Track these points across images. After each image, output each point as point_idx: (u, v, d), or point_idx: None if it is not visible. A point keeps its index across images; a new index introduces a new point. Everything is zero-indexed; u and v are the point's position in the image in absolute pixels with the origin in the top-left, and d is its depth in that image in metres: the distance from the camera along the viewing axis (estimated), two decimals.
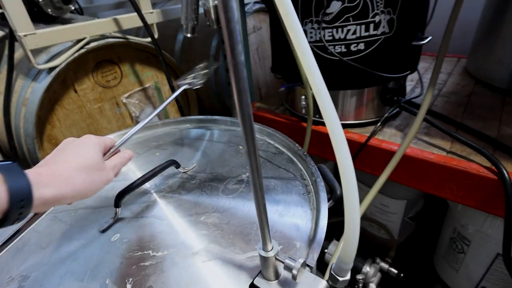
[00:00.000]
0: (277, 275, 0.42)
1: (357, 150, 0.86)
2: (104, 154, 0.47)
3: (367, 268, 1.05)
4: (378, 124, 0.88)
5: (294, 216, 0.53)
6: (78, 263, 0.48)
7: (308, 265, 0.42)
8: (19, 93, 0.98)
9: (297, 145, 0.69)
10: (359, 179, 1.09)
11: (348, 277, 0.42)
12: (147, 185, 0.64)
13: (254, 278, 0.42)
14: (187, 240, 0.51)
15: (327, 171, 0.61)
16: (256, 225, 0.49)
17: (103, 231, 0.53)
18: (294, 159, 0.68)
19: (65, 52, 0.93)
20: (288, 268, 0.38)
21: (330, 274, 0.43)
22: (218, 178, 0.65)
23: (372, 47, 0.79)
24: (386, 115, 0.90)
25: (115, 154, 0.49)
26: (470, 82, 1.11)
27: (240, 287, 0.42)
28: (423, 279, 1.22)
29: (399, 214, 1.15)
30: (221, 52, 1.33)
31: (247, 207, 0.56)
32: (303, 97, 0.92)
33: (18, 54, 1.06)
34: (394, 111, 0.92)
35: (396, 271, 1.04)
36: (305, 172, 0.63)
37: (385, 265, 1.07)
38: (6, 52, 1.00)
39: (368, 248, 1.28)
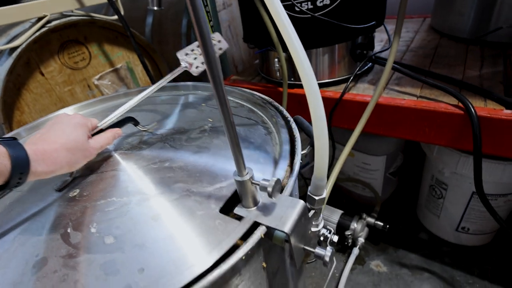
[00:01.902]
0: (255, 202, 0.42)
1: (333, 106, 0.88)
2: (92, 133, 0.52)
3: (354, 225, 1.08)
4: (351, 79, 0.90)
5: (260, 150, 0.55)
6: (35, 221, 0.47)
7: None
8: None
9: (256, 94, 0.70)
10: (337, 141, 1.10)
11: (324, 194, 0.43)
12: None
13: (224, 205, 0.43)
14: (153, 183, 0.50)
15: (303, 120, 0.62)
16: (224, 163, 0.52)
17: (60, 190, 0.52)
18: (254, 108, 0.70)
19: (25, 32, 0.90)
20: (263, 188, 0.38)
21: (307, 196, 0.43)
22: (180, 131, 0.64)
23: (337, 1, 0.80)
24: (357, 70, 0.91)
25: (101, 132, 0.53)
26: (436, 36, 1.14)
27: (210, 214, 0.42)
28: (408, 230, 1.26)
29: (381, 171, 1.18)
30: (192, 30, 1.32)
31: (213, 151, 0.56)
32: (276, 59, 0.92)
33: None
34: (366, 67, 0.93)
35: (382, 224, 1.08)
36: (265, 118, 0.66)
37: (371, 220, 1.10)
38: None
39: (354, 207, 1.31)
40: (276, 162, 0.50)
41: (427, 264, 1.15)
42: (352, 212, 1.17)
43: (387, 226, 1.08)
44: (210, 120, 0.67)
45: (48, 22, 0.93)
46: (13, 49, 0.88)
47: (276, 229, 0.39)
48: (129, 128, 0.65)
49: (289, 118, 0.61)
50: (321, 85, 0.95)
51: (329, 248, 0.42)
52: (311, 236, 0.46)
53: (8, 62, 0.87)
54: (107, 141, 0.52)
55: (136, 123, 0.64)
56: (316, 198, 0.42)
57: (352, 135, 0.82)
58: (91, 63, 1.09)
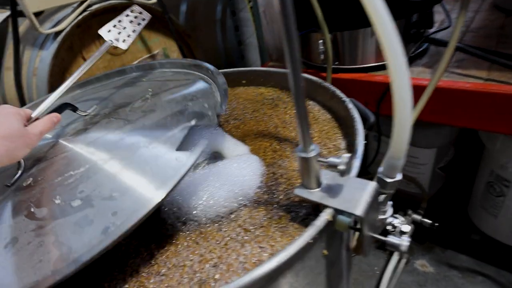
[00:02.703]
0: (318, 182, 0.37)
1: (383, 92, 0.81)
2: (28, 121, 0.49)
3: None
4: None
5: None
6: None
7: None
8: (28, 65, 0.95)
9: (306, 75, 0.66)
10: (384, 134, 1.03)
11: (400, 176, 0.37)
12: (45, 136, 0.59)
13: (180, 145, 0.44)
14: (107, 149, 0.48)
15: (357, 102, 0.57)
16: (172, 117, 0.52)
17: (12, 184, 0.49)
18: (191, 71, 0.70)
19: (68, 17, 0.90)
20: (333, 166, 0.34)
21: (377, 179, 0.38)
22: (122, 105, 0.62)
23: None
24: (412, 51, 0.84)
25: (39, 119, 0.50)
26: (500, 16, 1.04)
27: (168, 155, 0.43)
28: (458, 231, 1.17)
29: (429, 165, 1.10)
30: (228, 14, 1.28)
31: (159, 111, 0.55)
32: (320, 41, 0.87)
33: (22, 27, 1.03)
34: (421, 48, 0.86)
35: (430, 221, 1.00)
36: (203, 75, 0.66)
37: (417, 217, 1.02)
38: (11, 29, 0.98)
39: (398, 203, 1.23)
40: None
41: (480, 267, 1.06)
42: (395, 208, 1.09)
43: (436, 224, 1.00)
44: (150, 90, 0.65)
45: (89, 6, 0.93)
46: (57, 34, 0.88)
47: (347, 212, 0.34)
48: (69, 116, 0.62)
49: (343, 99, 0.56)
50: (368, 69, 0.89)
51: (405, 237, 0.37)
52: (379, 224, 0.41)
53: (53, 46, 0.87)
54: (46, 125, 0.49)
55: (74, 108, 0.60)
56: (389, 180, 0.37)
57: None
58: (129, 49, 1.08)
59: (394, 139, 0.34)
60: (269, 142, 0.58)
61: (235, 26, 1.23)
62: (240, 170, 0.49)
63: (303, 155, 0.35)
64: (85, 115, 0.62)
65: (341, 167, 0.33)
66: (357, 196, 0.35)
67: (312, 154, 0.34)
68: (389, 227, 0.40)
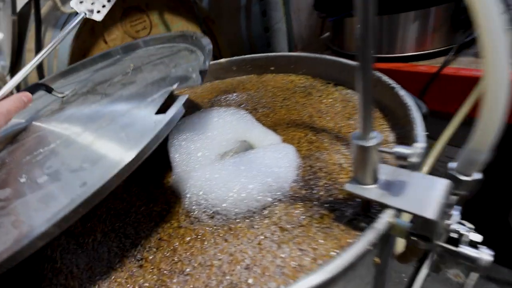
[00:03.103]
0: (375, 177, 0.32)
1: (427, 82, 0.74)
2: None
3: None
4: (452, 52, 0.75)
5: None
6: None
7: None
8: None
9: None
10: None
11: (478, 175, 0.31)
12: (16, 120, 0.55)
13: (159, 109, 0.40)
14: (81, 123, 0.45)
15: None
16: (153, 86, 0.48)
17: None
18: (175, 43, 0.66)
19: None
20: (402, 157, 0.28)
21: (449, 176, 0.32)
22: (101, 82, 0.58)
23: None
24: (464, 38, 0.76)
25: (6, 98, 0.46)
26: None
27: (146, 120, 0.39)
28: (498, 240, 1.09)
29: None
30: (253, 2, 1.22)
31: (139, 82, 0.51)
32: (358, 26, 0.80)
33: (44, 9, 1.00)
34: (471, 36, 0.78)
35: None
36: (188, 45, 0.61)
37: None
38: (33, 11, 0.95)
39: None
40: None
41: None
42: None
43: (473, 227, 0.93)
44: (132, 65, 0.61)
45: None
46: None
47: (415, 215, 0.28)
48: (46, 100, 0.58)
49: (392, 85, 0.50)
50: (408, 59, 0.82)
51: (485, 249, 0.31)
52: (441, 231, 0.35)
53: (75, 27, 0.84)
54: (13, 104, 0.45)
55: (49, 89, 0.55)
56: (464, 179, 0.31)
57: (452, 121, 0.68)
58: (152, 32, 1.04)
59: (481, 124, 0.28)
60: (303, 132, 0.53)
61: (262, 11, 1.17)
62: (275, 160, 0.43)
63: (361, 143, 0.29)
64: (62, 97, 0.57)
65: (413, 159, 0.27)
66: (426, 195, 0.29)
67: (372, 142, 0.29)
68: (453, 235, 0.34)
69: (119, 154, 0.35)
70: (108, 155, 0.37)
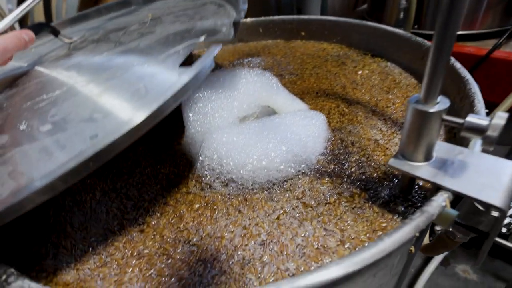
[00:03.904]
0: (428, 155, 0.26)
1: (474, 64, 0.66)
2: None
3: None
4: (506, 34, 0.67)
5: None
6: None
7: None
8: None
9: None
10: None
11: None
12: (17, 63, 0.50)
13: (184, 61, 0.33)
14: (92, 70, 0.40)
15: None
16: (175, 36, 0.41)
17: None
18: None
19: None
20: (474, 130, 0.22)
21: None
22: (115, 30, 0.52)
23: None
24: None
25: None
26: None
27: (169, 72, 0.33)
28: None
29: None
30: None
31: (158, 33, 0.45)
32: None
33: None
34: None
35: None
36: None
37: None
38: None
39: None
40: None
41: None
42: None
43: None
44: (150, 14, 0.54)
45: None
46: None
47: (479, 201, 0.22)
48: (52, 45, 0.52)
49: None
50: None
51: None
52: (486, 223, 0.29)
53: None
54: (11, 41, 0.39)
55: (54, 32, 0.49)
56: None
57: (500, 107, 0.61)
58: None
59: None
60: (334, 103, 0.47)
61: None
62: (303, 128, 0.38)
63: (422, 107, 0.23)
64: (70, 43, 0.52)
65: (491, 132, 0.21)
66: (492, 180, 0.23)
67: (436, 108, 0.23)
68: (503, 230, 0.29)
69: (137, 106, 0.30)
70: (124, 106, 0.31)
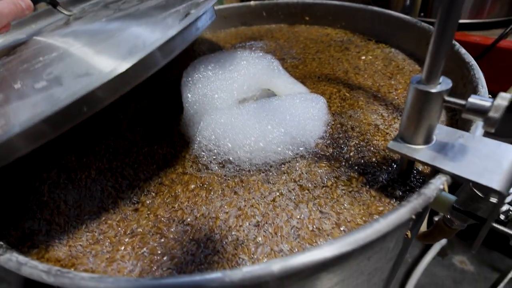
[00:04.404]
0: (428, 138, 0.25)
1: (480, 53, 0.65)
2: None
3: None
4: None
5: None
6: None
7: None
8: None
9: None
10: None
11: None
12: (15, 35, 0.49)
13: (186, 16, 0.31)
14: (88, 33, 0.39)
15: None
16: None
17: None
18: None
19: None
20: (476, 111, 0.22)
21: None
22: (114, 1, 0.50)
23: None
24: None
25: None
26: None
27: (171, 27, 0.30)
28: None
29: None
30: None
31: None
32: None
33: None
34: None
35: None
36: None
37: None
38: None
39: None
40: None
41: None
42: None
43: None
44: None
45: None
46: None
47: (479, 184, 0.22)
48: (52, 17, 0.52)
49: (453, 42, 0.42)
50: (460, 27, 0.72)
51: None
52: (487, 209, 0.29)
53: None
54: (7, 6, 0.38)
55: (53, 2, 0.48)
56: None
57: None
58: None
59: None
60: (336, 88, 0.46)
61: None
62: (302, 111, 0.37)
63: (423, 87, 0.23)
64: (70, 15, 0.50)
65: (493, 114, 0.20)
66: (493, 164, 0.23)
67: (438, 88, 0.22)
68: (502, 217, 0.28)
69: (128, 58, 0.28)
70: (119, 60, 0.30)
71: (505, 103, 0.20)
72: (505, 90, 0.59)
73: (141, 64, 0.26)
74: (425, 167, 0.31)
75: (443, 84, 0.22)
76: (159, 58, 0.27)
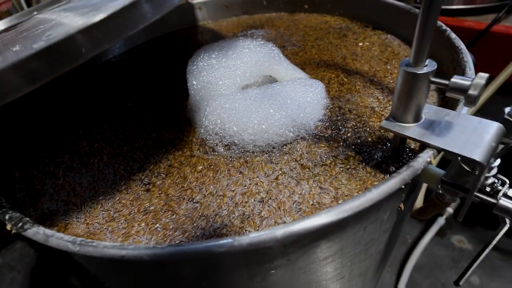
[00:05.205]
0: (417, 116, 0.28)
1: (473, 38, 0.67)
2: None
3: None
4: (505, 8, 0.67)
5: None
6: None
7: None
8: None
9: None
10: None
11: None
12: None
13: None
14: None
15: None
16: None
17: None
18: None
19: None
20: (458, 90, 0.24)
21: (504, 120, 0.28)
22: None
23: None
24: None
25: None
26: None
27: None
28: None
29: None
30: None
31: None
32: None
33: None
34: None
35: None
36: None
37: None
38: None
39: None
40: None
41: None
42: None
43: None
44: None
45: None
46: None
47: (461, 156, 0.24)
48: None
49: (444, 27, 0.44)
50: (454, 13, 0.74)
51: None
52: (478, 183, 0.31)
53: None
54: None
55: None
56: None
57: (493, 83, 0.62)
58: None
59: None
60: (335, 73, 0.48)
61: None
62: (302, 95, 0.39)
63: (411, 69, 0.25)
64: None
65: (472, 91, 0.23)
66: (475, 138, 0.25)
67: (425, 70, 0.24)
68: (488, 189, 0.31)
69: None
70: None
71: (482, 81, 0.22)
72: (498, 73, 0.61)
73: (125, 12, 0.27)
74: (416, 144, 0.33)
75: (429, 66, 0.25)
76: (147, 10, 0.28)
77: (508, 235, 1.05)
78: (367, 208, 0.24)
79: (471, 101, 0.23)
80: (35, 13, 0.45)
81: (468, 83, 0.23)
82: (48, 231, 0.28)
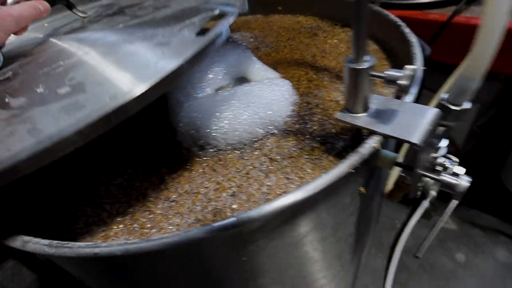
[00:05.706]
0: (365, 106, 0.30)
1: (437, 32, 0.69)
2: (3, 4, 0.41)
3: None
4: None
5: None
6: None
7: None
8: None
9: None
10: (427, 87, 0.92)
11: (468, 105, 0.30)
12: (32, 34, 0.50)
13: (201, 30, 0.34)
14: (109, 38, 0.41)
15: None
16: (192, 9, 0.42)
17: None
18: None
19: None
20: (392, 81, 0.26)
21: (440, 105, 0.31)
22: (129, 6, 0.52)
23: None
24: None
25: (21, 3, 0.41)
26: None
27: (186, 40, 0.33)
28: (488, 193, 1.09)
29: (468, 122, 0.99)
30: None
31: (175, 4, 0.46)
32: None
33: None
34: None
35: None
36: None
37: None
38: None
39: None
40: None
41: (505, 228, 1.00)
42: None
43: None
44: None
45: None
46: None
47: (401, 140, 0.27)
48: (68, 19, 0.54)
49: (398, 23, 0.47)
50: (421, 6, 0.76)
51: (464, 176, 0.30)
52: (427, 164, 0.34)
53: None
54: (27, 9, 0.40)
55: (69, 4, 0.50)
56: (454, 108, 0.30)
57: (456, 70, 0.64)
58: None
59: (475, 50, 0.26)
60: (304, 71, 0.51)
61: None
62: (269, 94, 0.42)
63: (353, 65, 0.27)
64: (84, 17, 0.53)
65: (403, 81, 0.25)
66: (414, 122, 0.28)
67: (365, 65, 0.27)
68: (439, 168, 0.33)
69: (157, 66, 0.31)
70: (143, 69, 0.32)
71: (411, 73, 0.25)
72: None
73: (155, 87, 0.28)
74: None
75: (369, 62, 0.27)
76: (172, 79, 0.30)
77: (489, 212, 1.07)
78: (320, 193, 0.26)
79: (402, 89, 0.25)
80: (50, 39, 0.47)
81: (399, 74, 0.26)
82: (26, 237, 0.30)
